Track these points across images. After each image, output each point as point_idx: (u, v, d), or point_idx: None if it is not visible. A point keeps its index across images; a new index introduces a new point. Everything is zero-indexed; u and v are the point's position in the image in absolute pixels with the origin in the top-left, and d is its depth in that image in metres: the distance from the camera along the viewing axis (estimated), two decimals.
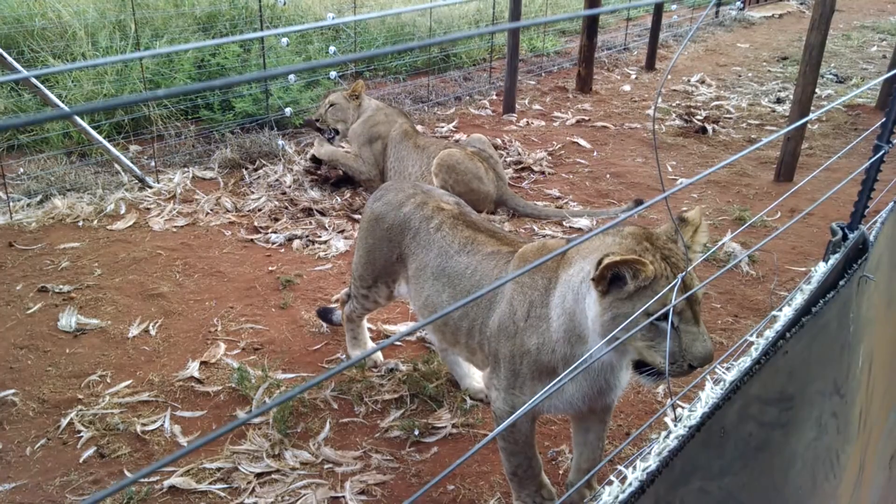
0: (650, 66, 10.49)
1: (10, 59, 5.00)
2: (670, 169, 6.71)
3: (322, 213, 5.49)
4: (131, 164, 5.66)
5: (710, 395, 1.06)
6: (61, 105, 4.82)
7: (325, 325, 4.06)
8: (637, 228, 2.26)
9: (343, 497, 2.94)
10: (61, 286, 4.31)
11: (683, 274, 2.05)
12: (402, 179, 5.58)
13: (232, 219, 5.32)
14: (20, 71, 4.37)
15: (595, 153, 7.06)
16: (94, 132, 5.56)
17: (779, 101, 9.01)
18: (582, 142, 7.30)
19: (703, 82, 9.79)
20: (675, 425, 1.00)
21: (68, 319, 3.97)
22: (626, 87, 9.48)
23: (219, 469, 3.06)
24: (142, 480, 2.98)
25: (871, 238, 1.59)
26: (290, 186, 5.84)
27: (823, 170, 5.90)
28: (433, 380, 3.62)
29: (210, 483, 2.99)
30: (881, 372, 1.87)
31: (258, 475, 3.04)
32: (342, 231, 5.24)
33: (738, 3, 15.12)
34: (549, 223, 5.48)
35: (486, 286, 2.74)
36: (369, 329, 3.91)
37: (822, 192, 1.97)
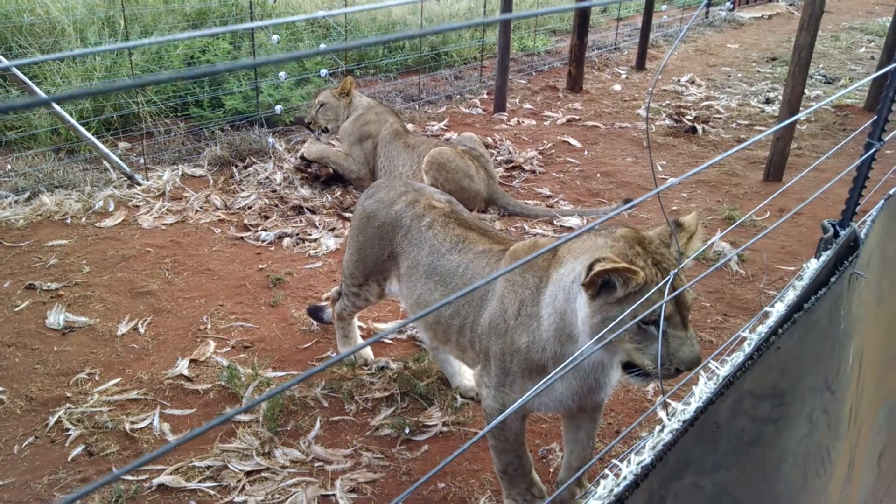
0: (640, 65, 10.52)
1: None
2: (660, 168, 6.73)
3: (312, 212, 5.47)
4: (120, 162, 5.63)
5: (703, 389, 1.06)
6: (39, 93, 4.76)
7: (315, 323, 4.05)
8: (629, 231, 2.26)
9: (333, 495, 2.93)
10: (49, 284, 4.28)
11: (670, 278, 2.04)
12: (393, 178, 5.57)
13: (222, 216, 5.30)
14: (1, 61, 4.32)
15: (585, 152, 7.07)
16: (82, 129, 5.52)
17: (768, 101, 9.06)
18: (572, 141, 7.31)
19: (692, 82, 9.83)
20: (670, 419, 1.00)
21: (56, 317, 3.94)
22: (617, 87, 9.51)
23: (208, 467, 3.05)
24: (130, 478, 2.96)
25: (862, 235, 1.60)
26: (280, 184, 5.82)
27: (812, 170, 5.93)
28: (424, 378, 3.62)
29: (199, 481, 2.98)
30: (870, 369, 1.88)
31: (248, 473, 3.03)
32: (332, 229, 5.23)
33: (728, 4, 15.19)
34: (539, 222, 5.49)
35: (475, 284, 2.73)
36: (360, 327, 3.90)
37: (810, 192, 1.97)
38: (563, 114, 8.18)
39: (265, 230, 5.12)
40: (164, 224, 5.13)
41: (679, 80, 9.88)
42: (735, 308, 4.35)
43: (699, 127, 7.78)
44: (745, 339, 1.21)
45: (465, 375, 3.54)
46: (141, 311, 4.10)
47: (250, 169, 6.03)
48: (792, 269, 4.83)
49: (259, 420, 3.30)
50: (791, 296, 1.33)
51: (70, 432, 3.18)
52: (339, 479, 3.00)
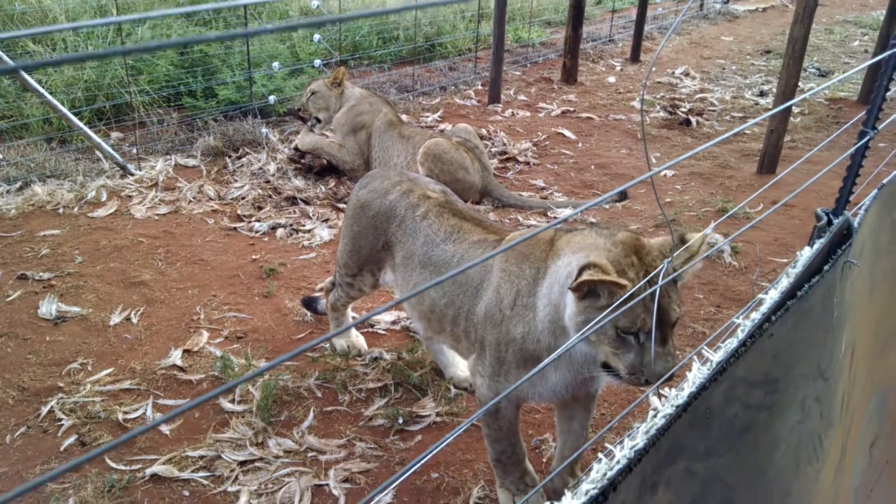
0: (635, 58, 10.51)
1: None
2: (654, 160, 6.73)
3: (306, 202, 5.46)
4: (112, 151, 5.60)
5: (696, 375, 1.06)
6: (8, 61, 4.66)
7: (309, 314, 4.04)
8: (630, 237, 2.24)
9: (327, 485, 2.94)
10: (41, 274, 4.26)
11: (656, 290, 2.03)
12: (388, 168, 5.56)
13: (215, 207, 5.28)
14: None
15: (580, 144, 7.07)
16: (74, 118, 5.48)
17: (762, 94, 9.06)
18: (567, 133, 7.31)
19: (687, 75, 9.82)
20: (663, 404, 1.00)
21: (48, 307, 3.92)
22: (611, 79, 9.50)
23: (202, 457, 3.04)
24: (123, 468, 2.95)
25: (856, 224, 1.60)
26: (273, 175, 5.80)
27: (805, 162, 5.93)
28: (417, 369, 3.62)
29: (193, 471, 2.97)
30: (862, 358, 1.89)
31: (241, 463, 3.02)
32: (326, 220, 5.22)
33: None
34: (533, 213, 5.48)
35: (472, 274, 2.73)
36: (354, 318, 3.90)
37: (803, 184, 1.97)
38: (557, 105, 8.17)
39: (259, 221, 5.10)
40: (157, 214, 5.11)
41: (673, 73, 9.87)
42: (728, 300, 4.36)
43: (693, 119, 7.78)
44: (738, 325, 1.21)
45: (459, 366, 3.55)
46: (134, 302, 4.08)
47: (244, 159, 6.01)
48: (785, 260, 4.84)
49: (252, 410, 3.29)
50: (784, 283, 1.33)
51: (62, 422, 3.17)
52: (333, 469, 3.00)
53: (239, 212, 5.23)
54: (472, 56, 9.52)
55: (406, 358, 3.71)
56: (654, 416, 0.99)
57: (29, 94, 5.95)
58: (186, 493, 2.87)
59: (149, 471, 2.94)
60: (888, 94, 1.69)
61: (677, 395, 1.02)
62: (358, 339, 3.80)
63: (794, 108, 8.19)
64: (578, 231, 2.44)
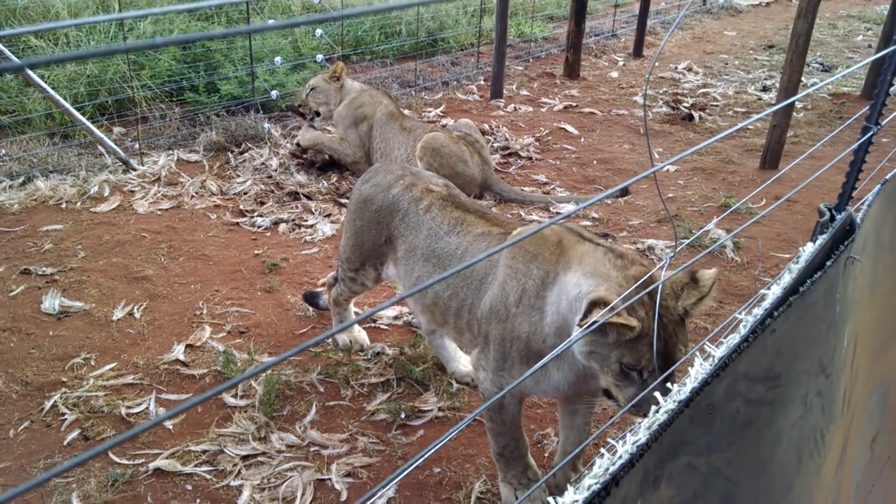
0: (638, 52, 10.49)
1: None
2: (657, 156, 6.72)
3: (308, 197, 5.46)
4: (115, 146, 5.60)
5: (699, 370, 1.06)
6: (14, 59, 4.69)
7: (311, 308, 4.04)
8: (643, 272, 2.20)
9: (329, 479, 2.94)
10: (44, 268, 4.26)
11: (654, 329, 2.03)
12: (390, 161, 5.56)
13: (217, 202, 5.29)
14: None
15: (582, 139, 7.06)
16: (77, 113, 5.49)
17: (765, 89, 9.04)
18: (569, 128, 7.30)
19: (690, 70, 9.80)
20: (666, 400, 1.00)
21: (51, 302, 3.93)
22: (614, 74, 9.48)
23: (204, 451, 3.05)
24: (127, 462, 2.96)
25: (858, 220, 1.60)
26: (276, 170, 5.81)
27: (808, 157, 5.91)
28: (419, 363, 3.63)
29: (196, 465, 2.98)
30: (864, 354, 1.89)
31: (244, 458, 3.03)
32: (329, 215, 5.22)
33: None
34: (535, 209, 5.48)
35: (476, 267, 2.73)
36: (356, 313, 3.90)
37: (806, 180, 1.97)
38: (559, 100, 8.15)
39: (261, 216, 5.11)
40: (160, 209, 5.12)
41: (676, 68, 9.85)
42: (730, 295, 4.36)
43: (696, 114, 7.76)
44: (740, 321, 1.22)
45: (461, 361, 3.55)
46: (136, 297, 4.09)
47: (246, 154, 6.01)
48: (787, 256, 4.84)
49: (255, 405, 3.30)
50: (787, 279, 1.34)
51: (66, 417, 3.18)
52: (335, 464, 3.01)
53: (241, 207, 5.23)
54: (474, 51, 9.51)
55: (408, 353, 3.72)
56: (657, 411, 0.99)
57: (31, 89, 5.95)
58: (189, 488, 2.88)
59: (152, 465, 2.95)
60: (892, 89, 1.69)
61: (679, 391, 1.02)
62: (360, 334, 3.80)
63: (797, 103, 8.17)
64: (592, 244, 2.39)
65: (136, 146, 5.91)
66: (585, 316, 2.07)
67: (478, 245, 2.82)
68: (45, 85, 5.30)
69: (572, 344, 2.18)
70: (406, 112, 6.58)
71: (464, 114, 7.38)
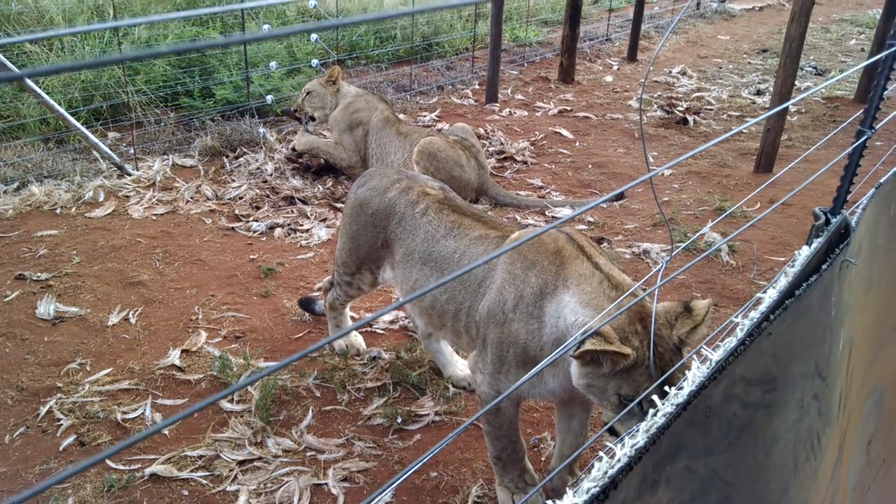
0: (632, 57, 10.52)
1: None
2: (652, 160, 6.74)
3: (304, 202, 5.46)
4: (110, 152, 5.59)
5: (696, 374, 1.07)
6: (13, 68, 4.68)
7: (307, 313, 4.04)
8: (637, 306, 2.20)
9: (326, 484, 2.94)
10: (39, 274, 4.25)
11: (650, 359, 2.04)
12: (386, 166, 5.57)
13: (212, 207, 5.28)
14: None
15: (577, 143, 7.07)
16: (71, 118, 5.48)
17: (759, 92, 9.08)
18: (564, 132, 7.31)
19: (684, 74, 9.84)
20: (663, 403, 1.01)
21: (46, 307, 3.92)
22: (609, 78, 9.51)
23: (201, 457, 3.05)
24: (122, 468, 2.96)
25: (853, 223, 1.61)
26: (271, 175, 5.80)
27: (802, 161, 5.94)
28: (416, 368, 3.63)
29: (192, 471, 2.97)
30: (860, 357, 1.90)
31: (240, 463, 3.03)
32: (324, 220, 5.22)
33: None
34: (530, 213, 5.49)
35: (474, 270, 2.74)
36: (352, 318, 3.90)
37: (801, 183, 1.97)
38: (554, 105, 8.17)
39: (256, 221, 5.11)
40: (155, 214, 5.11)
41: (670, 72, 9.89)
42: (726, 298, 4.37)
43: (690, 118, 7.79)
44: (737, 324, 1.22)
45: (458, 365, 3.55)
46: (132, 302, 4.08)
47: (241, 159, 6.01)
48: (782, 259, 4.85)
49: (251, 410, 3.29)
50: (783, 282, 1.34)
51: (61, 422, 3.17)
52: (332, 469, 3.01)
53: (237, 212, 5.23)
54: (469, 55, 9.53)
55: (405, 357, 3.72)
56: (655, 414, 1.00)
57: (26, 94, 5.94)
58: (185, 493, 2.88)
59: (148, 470, 2.94)
60: (885, 93, 1.70)
61: (677, 394, 1.03)
62: (356, 338, 3.80)
63: (790, 106, 8.20)
64: (590, 265, 2.39)
65: (131, 151, 5.90)
66: (577, 351, 2.09)
67: (475, 248, 2.82)
68: (39, 90, 5.30)
69: (566, 352, 2.18)
70: (402, 117, 6.59)
71: (459, 118, 7.39)
